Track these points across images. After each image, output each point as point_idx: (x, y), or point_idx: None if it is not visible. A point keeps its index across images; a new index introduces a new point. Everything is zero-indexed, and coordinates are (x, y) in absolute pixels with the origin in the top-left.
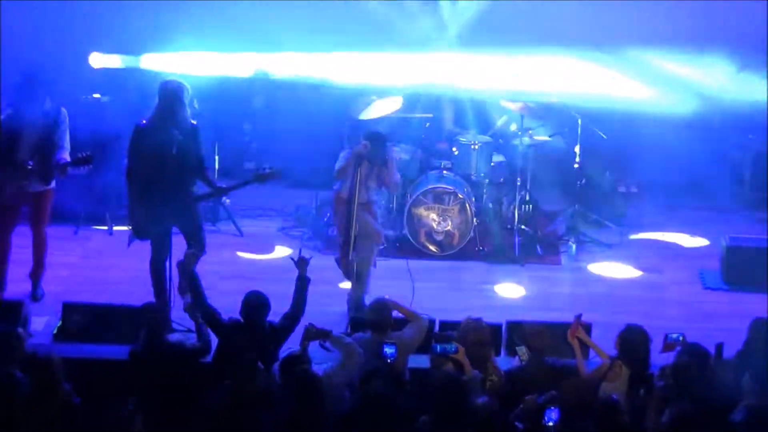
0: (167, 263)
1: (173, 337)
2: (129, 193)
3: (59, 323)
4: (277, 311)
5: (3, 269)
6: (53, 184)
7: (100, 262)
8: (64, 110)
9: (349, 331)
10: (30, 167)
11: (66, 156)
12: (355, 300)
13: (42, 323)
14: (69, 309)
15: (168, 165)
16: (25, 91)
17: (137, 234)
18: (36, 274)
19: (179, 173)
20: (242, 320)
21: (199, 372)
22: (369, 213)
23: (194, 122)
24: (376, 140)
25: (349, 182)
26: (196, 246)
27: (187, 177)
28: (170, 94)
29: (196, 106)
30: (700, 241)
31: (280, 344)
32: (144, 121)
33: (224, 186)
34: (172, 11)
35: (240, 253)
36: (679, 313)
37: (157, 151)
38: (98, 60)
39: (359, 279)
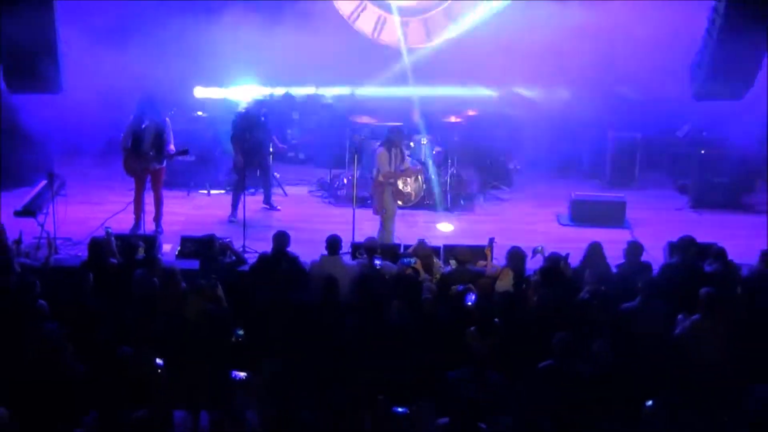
0: (243, 194)
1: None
2: (233, 148)
3: (179, 248)
4: (310, 240)
5: (141, 216)
6: (164, 164)
7: (203, 212)
8: (168, 120)
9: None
10: (151, 155)
11: (172, 148)
12: (386, 238)
13: (169, 248)
14: (185, 240)
15: (253, 134)
16: (145, 108)
17: (235, 169)
18: (157, 219)
19: (260, 138)
20: (271, 251)
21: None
22: (396, 189)
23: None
24: (398, 131)
25: (380, 170)
26: (265, 177)
27: (262, 142)
28: (255, 104)
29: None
30: (557, 196)
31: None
32: (242, 110)
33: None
34: (245, 57)
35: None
36: (544, 239)
37: (248, 126)
38: (199, 90)
39: (386, 226)
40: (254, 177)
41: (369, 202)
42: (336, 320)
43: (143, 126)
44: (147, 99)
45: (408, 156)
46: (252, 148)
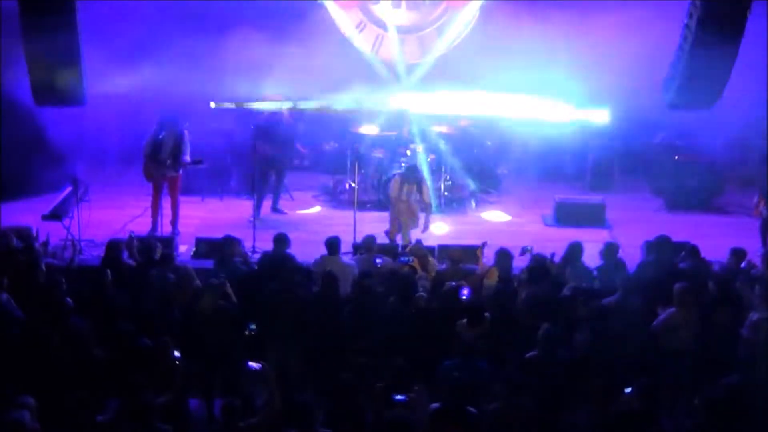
0: (263, 195)
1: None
2: (259, 148)
3: (194, 249)
4: (316, 240)
5: (157, 219)
6: (180, 171)
7: (216, 216)
8: (186, 132)
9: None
10: (168, 163)
11: (187, 157)
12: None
13: (185, 249)
14: (199, 241)
15: (274, 142)
16: (165, 120)
17: (259, 169)
18: (173, 222)
19: (281, 147)
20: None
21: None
22: (408, 205)
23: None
24: (413, 169)
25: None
26: (278, 183)
27: (282, 150)
28: (273, 114)
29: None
30: (542, 199)
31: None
32: (263, 121)
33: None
34: (254, 73)
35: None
36: (530, 239)
37: (269, 134)
38: (214, 105)
39: (403, 232)
40: (269, 182)
41: (369, 206)
42: (336, 313)
43: (161, 136)
44: (166, 112)
45: (425, 188)
46: (274, 156)
